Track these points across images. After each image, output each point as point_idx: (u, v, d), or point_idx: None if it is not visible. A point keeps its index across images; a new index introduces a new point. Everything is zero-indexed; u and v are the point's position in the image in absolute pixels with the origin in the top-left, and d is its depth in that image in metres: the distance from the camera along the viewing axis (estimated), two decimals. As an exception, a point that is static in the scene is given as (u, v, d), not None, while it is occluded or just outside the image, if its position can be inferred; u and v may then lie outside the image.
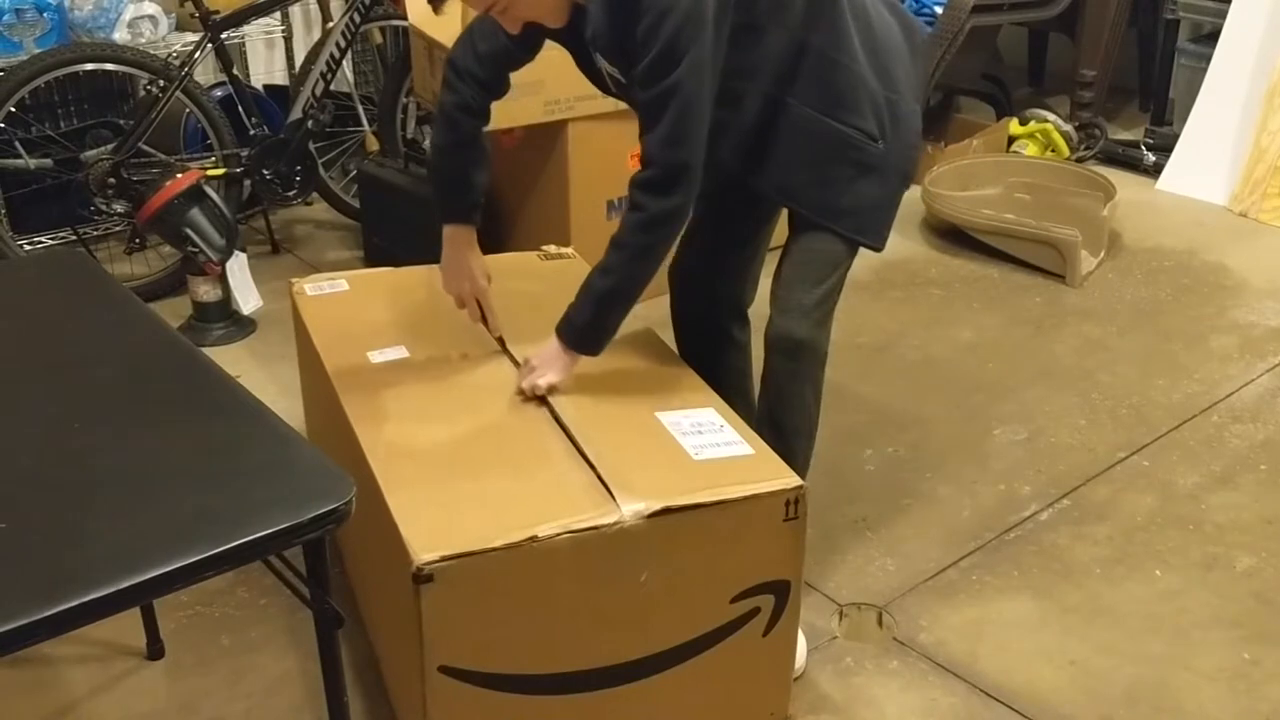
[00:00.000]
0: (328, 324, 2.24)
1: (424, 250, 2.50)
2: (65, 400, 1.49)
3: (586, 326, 1.96)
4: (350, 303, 2.34)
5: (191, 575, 1.19)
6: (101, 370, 1.58)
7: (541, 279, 2.44)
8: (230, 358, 3.07)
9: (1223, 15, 4.09)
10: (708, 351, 2.27)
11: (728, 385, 2.20)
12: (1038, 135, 4.29)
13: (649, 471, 1.79)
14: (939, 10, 4.05)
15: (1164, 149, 4.21)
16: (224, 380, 1.54)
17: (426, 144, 3.46)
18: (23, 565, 1.19)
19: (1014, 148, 4.26)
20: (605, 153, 3.12)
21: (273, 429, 1.42)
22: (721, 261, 2.25)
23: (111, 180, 3.21)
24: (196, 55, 3.26)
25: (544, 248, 2.57)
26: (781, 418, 2.10)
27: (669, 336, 2.28)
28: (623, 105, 2.42)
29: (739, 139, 1.98)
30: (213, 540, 1.21)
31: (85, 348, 1.63)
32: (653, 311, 2.67)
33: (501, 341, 2.16)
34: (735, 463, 1.85)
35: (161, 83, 3.23)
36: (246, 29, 3.71)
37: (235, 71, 3.44)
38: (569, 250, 2.58)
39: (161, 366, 1.58)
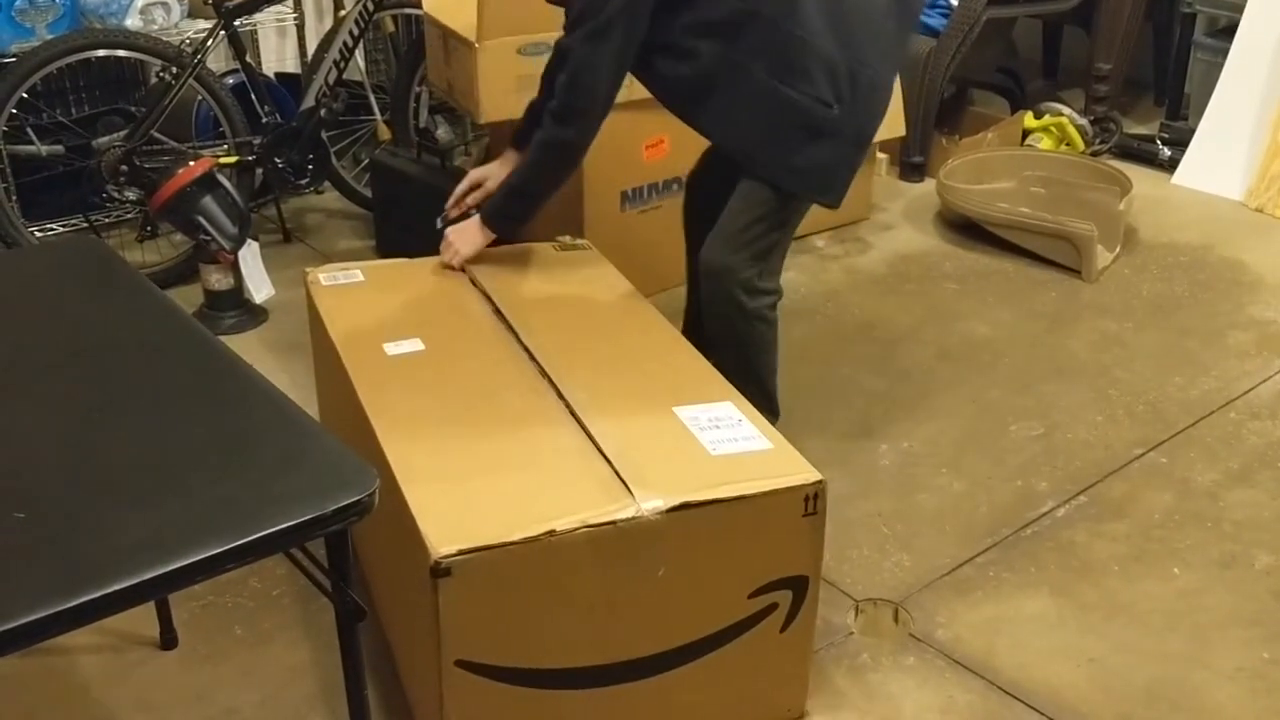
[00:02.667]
0: (343, 315, 2.23)
1: (436, 240, 2.50)
2: (85, 390, 1.48)
3: (498, 209, 2.37)
4: (365, 294, 2.33)
5: (214, 567, 1.18)
6: (121, 359, 1.56)
7: (556, 269, 2.43)
8: (242, 346, 3.05)
9: (1239, 9, 4.06)
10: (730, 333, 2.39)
11: (750, 359, 2.38)
12: (1053, 129, 4.26)
13: (666, 466, 1.78)
14: (954, 3, 4.03)
15: (1179, 144, 4.18)
16: (244, 370, 1.53)
17: (439, 133, 3.44)
18: (43, 557, 1.18)
19: (1029, 141, 4.23)
20: (618, 144, 3.09)
21: (294, 420, 1.40)
22: (721, 206, 2.39)
23: (123, 167, 3.19)
24: (209, 42, 3.24)
25: (559, 238, 2.56)
26: (714, 336, 2.34)
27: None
28: (634, 97, 2.47)
29: (693, 93, 2.22)
30: (235, 532, 1.20)
31: (104, 336, 1.62)
32: (671, 302, 2.65)
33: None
34: (753, 457, 1.84)
35: (174, 70, 3.21)
36: (259, 16, 3.68)
37: (248, 59, 3.42)
38: (584, 241, 2.56)
39: (182, 356, 1.57)
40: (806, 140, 2.18)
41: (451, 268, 2.38)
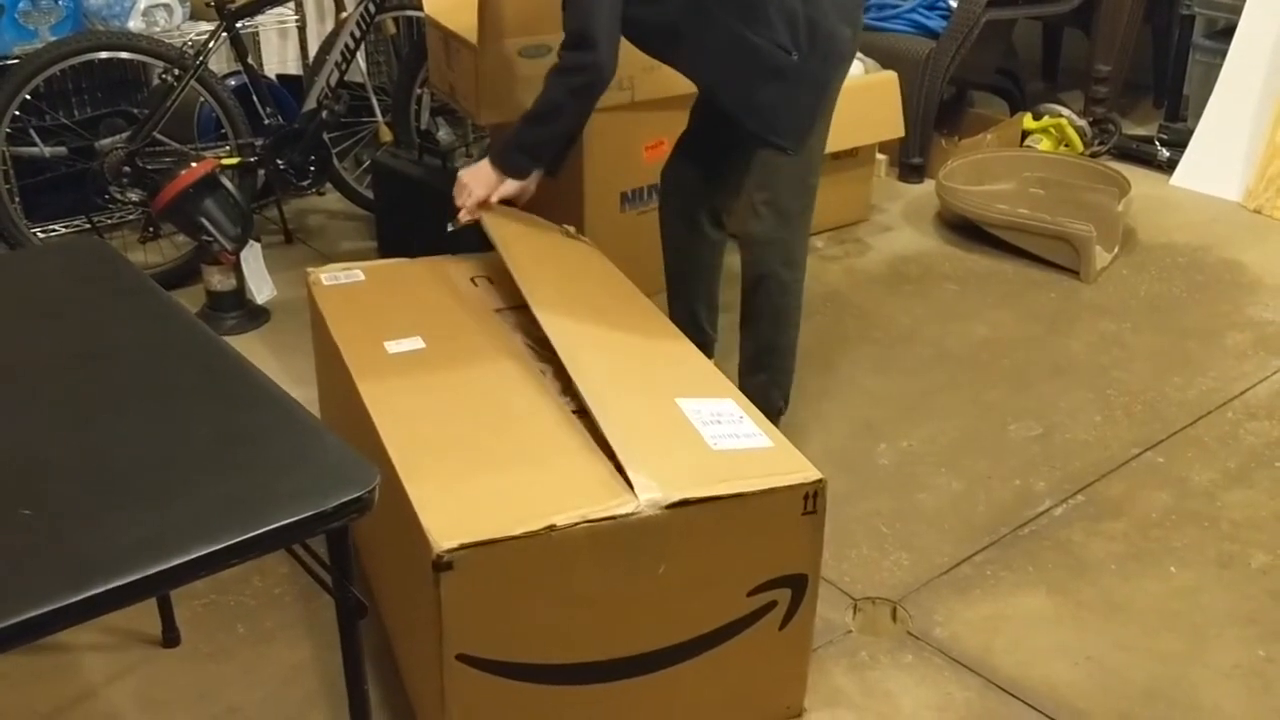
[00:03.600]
0: (344, 314, 2.24)
1: (437, 241, 2.51)
2: (90, 389, 1.49)
3: (508, 146, 2.37)
4: (366, 293, 2.34)
5: (215, 563, 1.19)
6: (125, 359, 1.57)
7: (567, 251, 2.45)
8: (243, 347, 3.02)
9: (1238, 11, 4.07)
10: (683, 243, 2.61)
11: (695, 278, 2.62)
12: (1052, 130, 4.28)
13: (667, 461, 1.79)
14: (954, 4, 4.04)
15: (1178, 145, 4.19)
16: (246, 369, 1.54)
17: (440, 135, 3.45)
18: (47, 553, 1.19)
19: (1028, 142, 4.25)
20: (619, 145, 3.11)
21: (296, 418, 1.41)
22: (702, 162, 2.53)
23: (126, 169, 3.20)
24: (211, 44, 3.26)
25: (565, 226, 2.56)
26: (752, 310, 2.48)
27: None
28: (636, 97, 2.48)
29: (664, 37, 2.30)
30: (237, 528, 1.21)
31: (108, 336, 1.63)
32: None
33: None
34: (754, 455, 1.85)
35: (176, 71, 3.22)
36: (261, 18, 3.70)
37: (250, 61, 3.43)
38: (585, 239, 2.58)
39: (184, 355, 1.58)
40: (768, 81, 2.26)
41: (480, 212, 2.40)
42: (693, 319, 2.61)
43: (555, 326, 2.07)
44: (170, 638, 2.10)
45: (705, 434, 1.87)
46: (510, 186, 2.39)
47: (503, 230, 2.36)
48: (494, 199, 2.40)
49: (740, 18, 2.23)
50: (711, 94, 2.37)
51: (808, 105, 2.31)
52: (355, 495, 1.26)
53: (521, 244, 2.37)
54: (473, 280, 2.38)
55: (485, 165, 2.40)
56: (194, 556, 1.17)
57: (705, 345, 2.59)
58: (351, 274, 2.41)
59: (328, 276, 2.39)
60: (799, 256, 2.45)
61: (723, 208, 2.59)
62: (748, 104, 2.29)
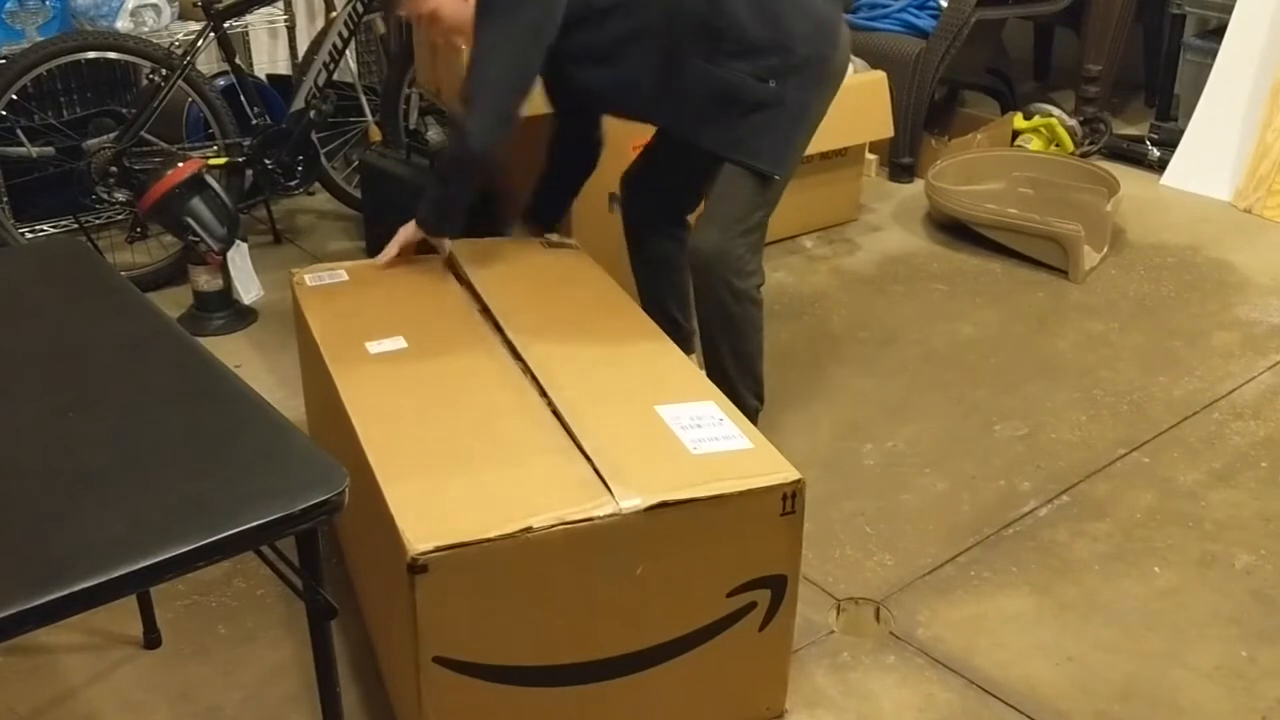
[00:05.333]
0: (327, 315, 2.24)
1: (425, 241, 2.50)
2: (59, 389, 1.49)
3: (422, 207, 2.40)
4: (350, 293, 2.34)
5: (183, 565, 1.19)
6: (96, 359, 1.57)
7: (543, 267, 2.44)
8: (230, 347, 3.06)
9: (1228, 10, 4.07)
10: (646, 242, 2.62)
11: (663, 275, 2.62)
12: (1042, 130, 4.28)
13: (646, 465, 1.79)
14: (944, 4, 4.04)
15: (1169, 145, 4.20)
16: (219, 370, 1.54)
17: (429, 135, 3.45)
18: (12, 554, 1.19)
19: (1018, 142, 4.24)
20: (608, 145, 3.11)
21: (267, 419, 1.41)
22: (665, 169, 2.54)
23: (113, 169, 3.21)
24: (199, 44, 3.25)
25: (547, 235, 2.57)
26: (706, 321, 2.41)
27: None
28: None
29: (629, 95, 2.32)
30: (204, 530, 1.21)
31: (81, 336, 1.63)
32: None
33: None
34: (733, 457, 1.84)
35: (164, 71, 3.22)
36: (250, 18, 3.71)
37: (238, 61, 3.43)
38: (571, 241, 2.58)
39: (156, 356, 1.57)
40: (748, 113, 2.24)
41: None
42: (665, 314, 2.60)
43: (531, 352, 2.08)
44: (151, 638, 2.09)
45: (685, 439, 1.86)
46: (427, 240, 2.41)
47: (477, 279, 2.35)
48: (404, 250, 2.42)
49: (708, 57, 2.22)
50: (693, 140, 2.33)
51: (790, 131, 2.30)
52: (324, 497, 1.26)
53: (491, 270, 2.38)
54: (457, 278, 2.37)
55: (410, 224, 2.41)
56: (160, 559, 1.17)
57: (685, 339, 2.59)
58: (335, 274, 2.41)
59: (311, 277, 2.38)
60: (753, 266, 2.38)
61: (683, 209, 2.60)
62: (731, 142, 2.28)
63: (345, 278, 2.39)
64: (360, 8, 3.41)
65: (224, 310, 3.21)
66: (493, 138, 2.23)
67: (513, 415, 1.93)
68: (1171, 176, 4.12)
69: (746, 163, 2.28)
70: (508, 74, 2.21)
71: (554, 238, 2.56)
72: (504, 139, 2.23)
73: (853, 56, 3.82)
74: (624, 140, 3.14)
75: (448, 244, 2.43)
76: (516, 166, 3.23)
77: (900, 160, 4.13)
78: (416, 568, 1.60)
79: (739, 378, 2.42)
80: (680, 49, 2.23)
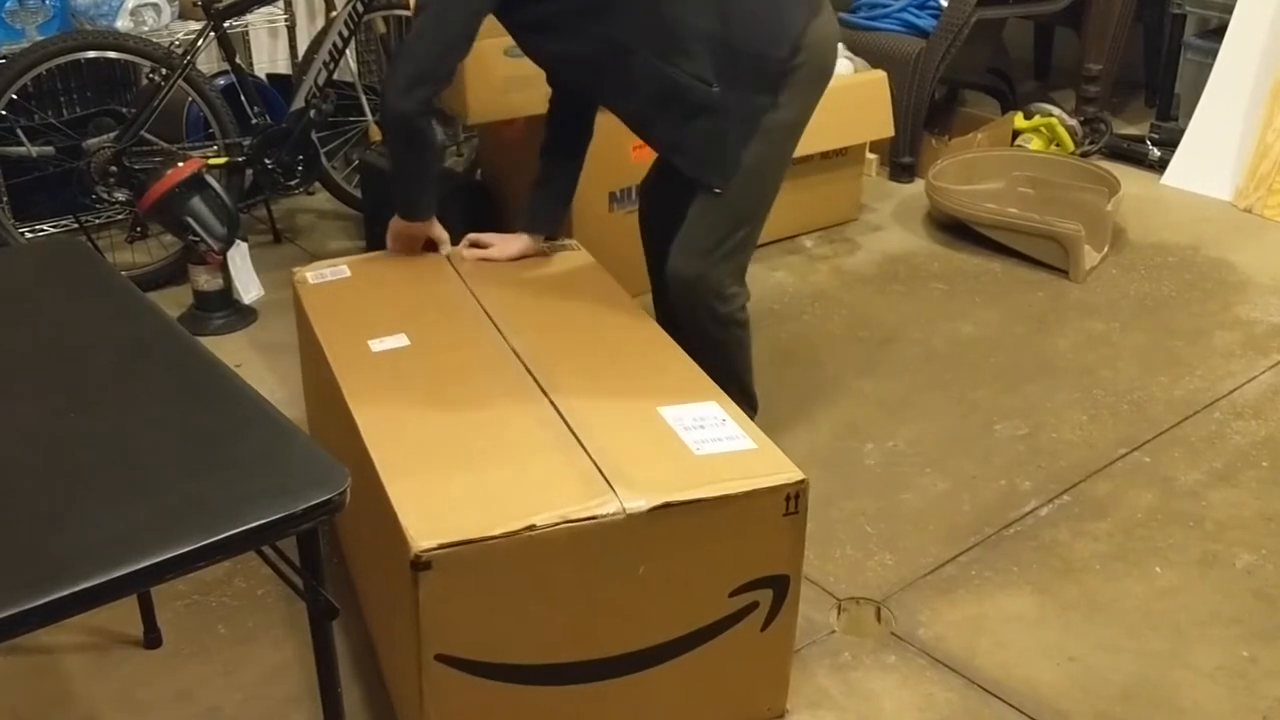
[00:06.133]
0: (329, 312, 2.24)
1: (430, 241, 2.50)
2: (59, 389, 1.49)
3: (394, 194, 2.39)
4: (351, 290, 2.34)
5: (183, 565, 1.19)
6: (97, 359, 1.57)
7: (544, 267, 2.44)
8: (231, 347, 3.06)
9: (1229, 10, 4.07)
10: (657, 246, 2.51)
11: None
12: (1042, 129, 4.27)
13: (650, 465, 1.79)
14: (944, 3, 4.04)
15: (1169, 144, 4.19)
16: (220, 369, 1.54)
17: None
18: (13, 554, 1.19)
19: (1019, 142, 4.24)
20: (606, 144, 3.08)
21: (268, 419, 1.41)
22: (670, 173, 2.38)
23: (113, 168, 3.20)
24: (199, 43, 3.25)
25: (546, 241, 2.56)
26: (690, 344, 2.26)
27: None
28: None
29: (589, 73, 2.26)
30: (205, 530, 1.21)
31: (81, 336, 1.63)
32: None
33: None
34: (736, 457, 1.84)
35: (164, 71, 3.22)
36: (250, 17, 3.70)
37: (238, 60, 3.43)
38: (572, 241, 2.57)
39: (157, 355, 1.57)
40: (692, 117, 2.20)
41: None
42: (744, 394, 2.47)
43: (532, 353, 2.08)
44: (152, 638, 2.09)
45: (688, 440, 1.86)
46: (416, 228, 2.41)
47: (478, 279, 2.35)
48: (400, 244, 2.44)
49: (656, 51, 2.16)
50: (641, 134, 2.31)
51: (735, 140, 2.20)
52: (325, 497, 1.26)
53: (491, 270, 2.38)
54: (459, 277, 2.37)
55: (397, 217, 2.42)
56: (160, 559, 1.17)
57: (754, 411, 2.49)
58: (337, 270, 2.40)
59: (313, 275, 2.38)
60: (734, 289, 2.33)
61: (739, 270, 2.47)
62: (675, 143, 2.24)
63: (347, 273, 2.39)
64: (360, 7, 3.40)
65: (224, 310, 3.21)
66: (411, 100, 2.15)
67: (516, 413, 1.93)
68: (1172, 176, 4.12)
69: (692, 174, 2.23)
70: (429, 33, 2.15)
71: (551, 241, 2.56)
72: (426, 97, 2.16)
73: (853, 56, 3.83)
74: (622, 141, 3.14)
75: (448, 244, 2.43)
76: (517, 168, 3.24)
77: (901, 160, 4.13)
78: (420, 565, 1.60)
79: (727, 393, 2.35)
80: (622, 36, 2.17)
